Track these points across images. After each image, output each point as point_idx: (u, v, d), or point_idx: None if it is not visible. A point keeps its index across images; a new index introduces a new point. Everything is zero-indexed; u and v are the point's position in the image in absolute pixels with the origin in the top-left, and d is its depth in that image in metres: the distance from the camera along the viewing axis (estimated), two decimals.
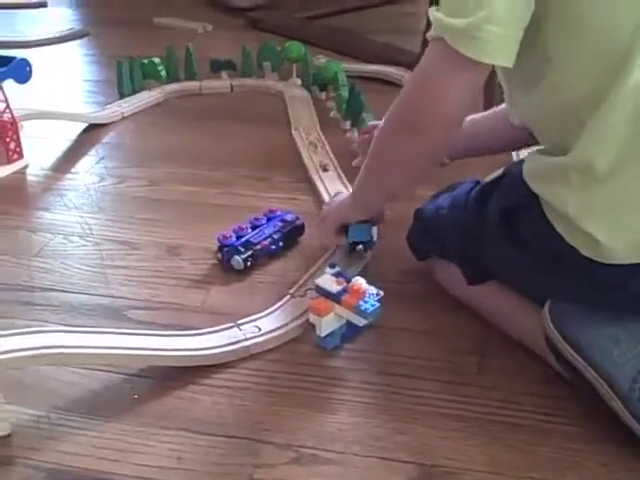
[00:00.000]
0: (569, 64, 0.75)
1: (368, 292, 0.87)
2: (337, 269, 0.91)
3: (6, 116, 1.34)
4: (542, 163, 0.81)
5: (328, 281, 0.89)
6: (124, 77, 1.66)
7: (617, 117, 0.72)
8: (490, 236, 0.87)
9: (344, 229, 1.01)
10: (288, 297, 0.96)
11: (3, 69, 1.34)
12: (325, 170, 1.29)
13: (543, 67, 0.76)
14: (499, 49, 0.73)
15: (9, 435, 0.78)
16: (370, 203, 0.99)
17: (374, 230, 1.04)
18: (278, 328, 0.91)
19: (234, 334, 0.90)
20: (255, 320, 0.93)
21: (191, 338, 0.89)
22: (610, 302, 0.80)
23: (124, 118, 1.56)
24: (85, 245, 1.13)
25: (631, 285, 0.77)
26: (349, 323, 0.89)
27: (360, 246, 1.04)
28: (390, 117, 0.87)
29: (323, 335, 0.88)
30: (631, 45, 0.70)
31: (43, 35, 2.16)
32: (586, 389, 0.79)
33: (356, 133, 1.39)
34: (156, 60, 1.69)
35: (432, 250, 0.99)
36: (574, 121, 0.75)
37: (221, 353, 0.88)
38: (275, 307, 0.95)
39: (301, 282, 0.99)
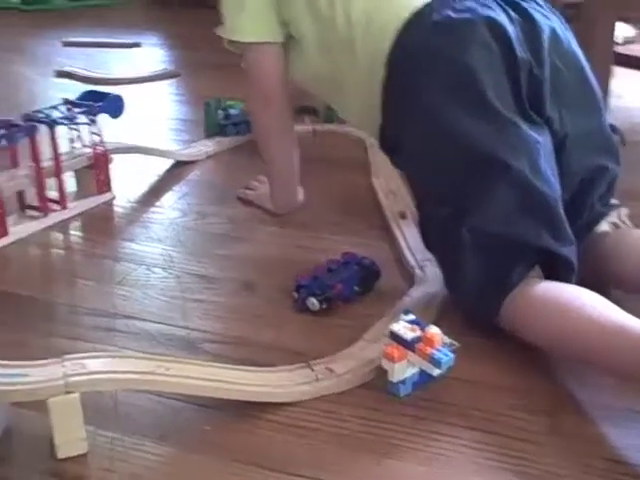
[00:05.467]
0: None
1: (442, 342, 0.88)
2: (412, 316, 0.92)
3: (99, 149, 1.40)
4: None
5: (403, 328, 0.89)
6: (211, 117, 1.71)
7: None
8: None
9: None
10: (362, 342, 0.97)
11: (99, 104, 1.41)
12: (403, 217, 1.30)
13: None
14: (254, 32, 1.19)
15: (86, 454, 0.80)
16: (284, 194, 1.34)
17: None
18: (350, 371, 0.92)
19: (306, 374, 0.91)
20: (328, 362, 0.94)
21: (264, 374, 0.91)
22: None
23: (209, 157, 1.62)
24: (166, 277, 1.16)
25: None
26: (421, 371, 0.89)
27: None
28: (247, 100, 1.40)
29: (395, 382, 0.89)
30: None
31: (136, 74, 2.25)
32: None
33: None
34: (242, 102, 1.74)
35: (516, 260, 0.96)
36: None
37: (293, 392, 0.89)
38: (348, 350, 0.96)
39: (376, 328, 1.00)
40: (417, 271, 1.13)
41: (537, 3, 1.05)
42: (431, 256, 1.15)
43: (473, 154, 0.96)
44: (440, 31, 1.00)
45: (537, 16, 1.01)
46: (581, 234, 1.02)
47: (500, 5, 1.01)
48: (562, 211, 0.97)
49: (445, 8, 1.00)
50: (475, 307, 0.99)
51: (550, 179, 0.97)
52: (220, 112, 1.69)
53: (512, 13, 1.01)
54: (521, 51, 0.98)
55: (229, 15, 1.21)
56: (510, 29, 0.99)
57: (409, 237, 1.23)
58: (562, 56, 1.02)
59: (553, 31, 1.02)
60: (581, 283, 0.95)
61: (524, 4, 1.03)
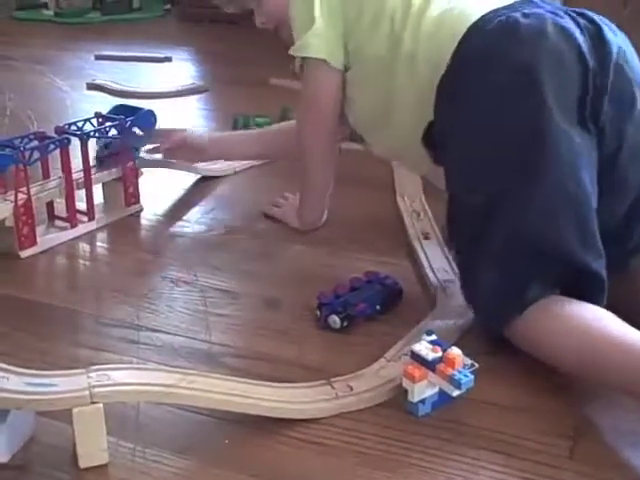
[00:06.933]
0: None
1: (463, 363, 0.88)
2: (434, 337, 0.92)
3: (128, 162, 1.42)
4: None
5: (424, 348, 0.89)
6: None
7: None
8: None
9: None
10: (382, 360, 0.98)
11: (131, 118, 1.43)
12: (426, 238, 1.31)
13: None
14: (320, 49, 1.19)
15: (106, 465, 0.81)
16: (314, 213, 1.35)
17: None
18: (370, 390, 0.93)
19: (326, 391, 0.92)
20: (348, 379, 0.94)
21: (285, 390, 0.91)
22: None
23: (236, 173, 1.63)
24: (190, 291, 1.17)
25: None
26: (441, 392, 0.89)
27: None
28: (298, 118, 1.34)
29: (414, 401, 0.89)
30: None
31: (166, 88, 2.28)
32: None
33: None
34: (270, 119, 1.76)
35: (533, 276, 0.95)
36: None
37: (313, 409, 0.89)
38: (368, 369, 0.96)
39: (397, 347, 1.00)
40: (439, 292, 1.14)
41: (602, 20, 1.04)
42: (453, 277, 1.16)
43: (518, 154, 0.97)
44: (507, 32, 1.00)
45: (605, 27, 1.01)
46: (631, 256, 1.02)
47: (569, 14, 1.02)
48: (596, 226, 0.96)
49: (513, 12, 1.02)
50: (487, 314, 0.99)
51: (588, 190, 0.96)
52: (99, 142, 1.42)
53: (581, 20, 1.01)
54: (589, 59, 0.98)
55: (298, 33, 1.23)
56: (579, 36, 0.99)
57: (432, 257, 1.23)
58: (629, 66, 1.01)
59: (620, 41, 1.01)
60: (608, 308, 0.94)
61: (592, 15, 1.03)
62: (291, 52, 1.24)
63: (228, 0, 1.35)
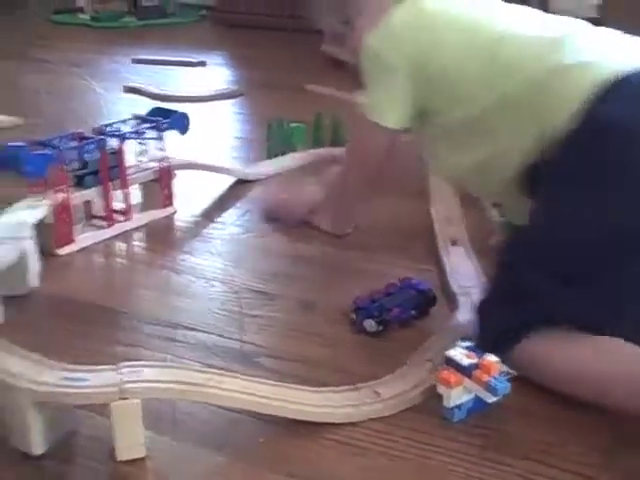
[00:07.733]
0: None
1: (499, 370, 0.88)
2: (469, 343, 0.92)
3: (164, 164, 1.43)
4: None
5: (459, 354, 0.89)
6: (274, 138, 1.74)
7: None
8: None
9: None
10: (405, 367, 0.97)
11: (166, 120, 1.44)
12: (454, 244, 1.31)
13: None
14: (385, 115, 1.13)
15: (143, 459, 0.82)
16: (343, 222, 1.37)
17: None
18: (396, 396, 0.92)
19: (354, 396, 0.92)
20: (375, 385, 0.94)
21: (312, 394, 0.91)
22: None
23: (270, 176, 1.64)
24: (225, 291, 1.18)
25: None
26: (476, 398, 0.89)
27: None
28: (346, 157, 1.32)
29: (450, 407, 0.89)
30: None
31: (201, 92, 2.30)
32: None
33: (495, 212, 1.40)
34: (304, 125, 1.76)
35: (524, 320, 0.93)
36: None
37: (338, 414, 0.89)
38: (394, 374, 0.96)
39: (418, 353, 1.00)
40: (461, 298, 1.12)
41: None
42: (476, 284, 1.15)
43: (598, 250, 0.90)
44: None
45: None
46: None
47: None
48: None
49: None
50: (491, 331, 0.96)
51: None
52: (75, 163, 1.32)
53: None
54: None
55: (367, 85, 1.15)
56: None
57: (457, 264, 1.22)
58: None
59: None
60: None
61: None
62: (360, 104, 1.16)
63: (329, 12, 1.25)
